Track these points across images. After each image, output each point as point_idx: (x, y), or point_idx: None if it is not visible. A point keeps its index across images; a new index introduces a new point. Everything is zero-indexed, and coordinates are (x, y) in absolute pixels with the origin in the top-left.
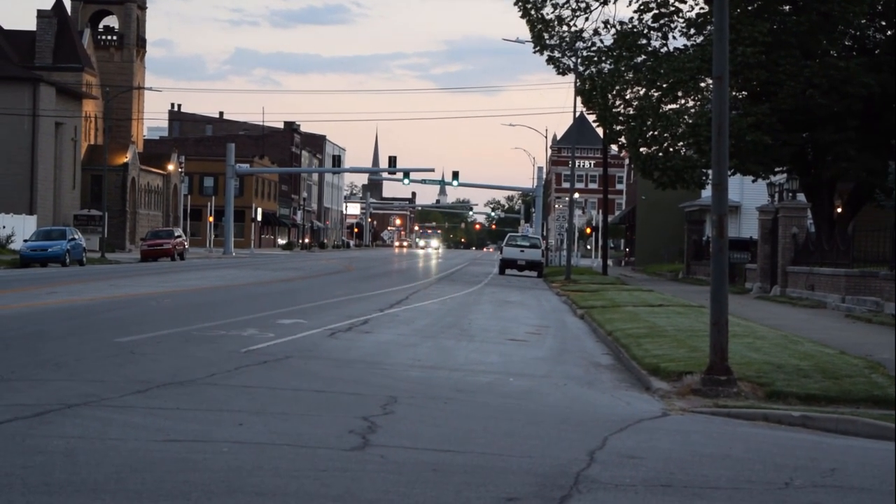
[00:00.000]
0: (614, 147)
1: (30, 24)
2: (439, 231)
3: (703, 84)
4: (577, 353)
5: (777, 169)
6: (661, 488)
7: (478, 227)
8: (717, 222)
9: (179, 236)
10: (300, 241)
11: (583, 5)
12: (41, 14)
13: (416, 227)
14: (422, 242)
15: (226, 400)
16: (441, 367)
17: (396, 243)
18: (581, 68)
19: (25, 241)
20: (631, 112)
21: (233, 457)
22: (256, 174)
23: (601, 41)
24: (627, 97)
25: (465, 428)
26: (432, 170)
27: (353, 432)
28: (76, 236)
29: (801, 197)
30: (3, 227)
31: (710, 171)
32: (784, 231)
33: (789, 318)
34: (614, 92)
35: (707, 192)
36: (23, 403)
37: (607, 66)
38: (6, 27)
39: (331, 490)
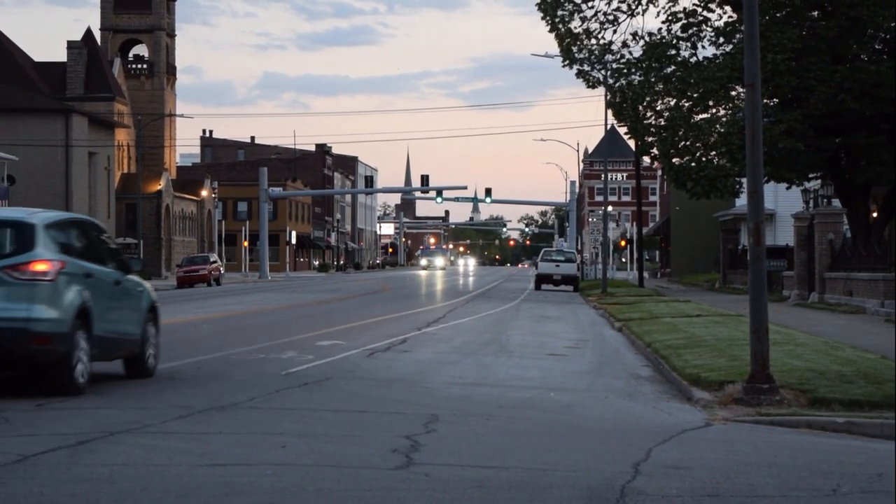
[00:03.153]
0: (647, 158)
1: (60, 55)
2: (445, 247)
3: (733, 93)
4: (616, 365)
5: (811, 175)
6: (708, 498)
7: (512, 243)
8: (754, 230)
9: (215, 262)
10: (335, 262)
11: (611, 18)
12: (71, 45)
13: (421, 246)
14: (424, 262)
15: (268, 423)
16: (482, 383)
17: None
18: (611, 81)
19: None
20: (662, 123)
21: (277, 479)
22: (289, 197)
23: (630, 53)
24: (658, 108)
25: (509, 444)
26: (465, 187)
27: (396, 451)
28: None
29: (836, 202)
30: None
31: (743, 180)
32: (820, 237)
33: (828, 325)
34: (645, 103)
35: (741, 201)
36: (66, 432)
37: (637, 78)
38: (36, 59)
39: None
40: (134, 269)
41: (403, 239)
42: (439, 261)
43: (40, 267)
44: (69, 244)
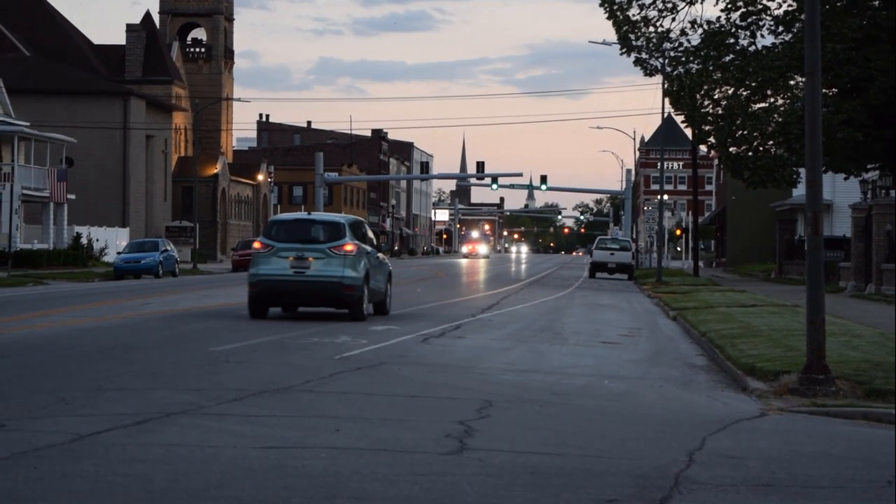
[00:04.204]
0: (703, 147)
1: (119, 38)
2: (489, 234)
3: (792, 82)
4: (671, 354)
5: (869, 166)
6: (763, 488)
7: (566, 231)
8: (813, 219)
9: None
10: (389, 248)
11: (669, 5)
12: (130, 28)
13: (462, 231)
14: (465, 249)
15: (322, 406)
16: (535, 370)
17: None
18: (668, 69)
19: (119, 253)
20: (720, 112)
21: (331, 462)
22: (345, 182)
23: (688, 41)
24: (716, 97)
25: (562, 430)
26: (520, 174)
27: (449, 436)
28: (168, 248)
29: (895, 193)
30: (97, 239)
31: (801, 170)
32: (878, 228)
33: (885, 316)
34: (702, 92)
35: (798, 191)
36: (122, 413)
37: (695, 67)
38: (96, 42)
39: (430, 494)
40: (383, 249)
41: (458, 225)
42: (482, 248)
43: (348, 248)
44: (357, 233)
